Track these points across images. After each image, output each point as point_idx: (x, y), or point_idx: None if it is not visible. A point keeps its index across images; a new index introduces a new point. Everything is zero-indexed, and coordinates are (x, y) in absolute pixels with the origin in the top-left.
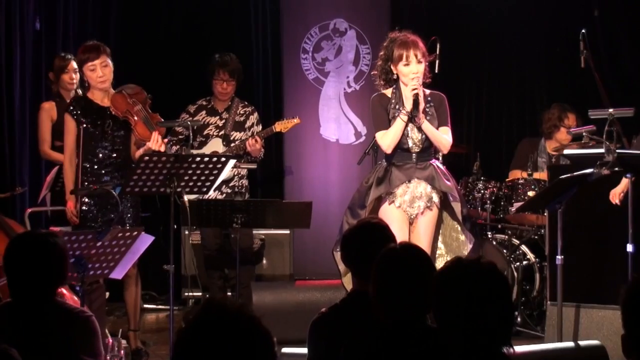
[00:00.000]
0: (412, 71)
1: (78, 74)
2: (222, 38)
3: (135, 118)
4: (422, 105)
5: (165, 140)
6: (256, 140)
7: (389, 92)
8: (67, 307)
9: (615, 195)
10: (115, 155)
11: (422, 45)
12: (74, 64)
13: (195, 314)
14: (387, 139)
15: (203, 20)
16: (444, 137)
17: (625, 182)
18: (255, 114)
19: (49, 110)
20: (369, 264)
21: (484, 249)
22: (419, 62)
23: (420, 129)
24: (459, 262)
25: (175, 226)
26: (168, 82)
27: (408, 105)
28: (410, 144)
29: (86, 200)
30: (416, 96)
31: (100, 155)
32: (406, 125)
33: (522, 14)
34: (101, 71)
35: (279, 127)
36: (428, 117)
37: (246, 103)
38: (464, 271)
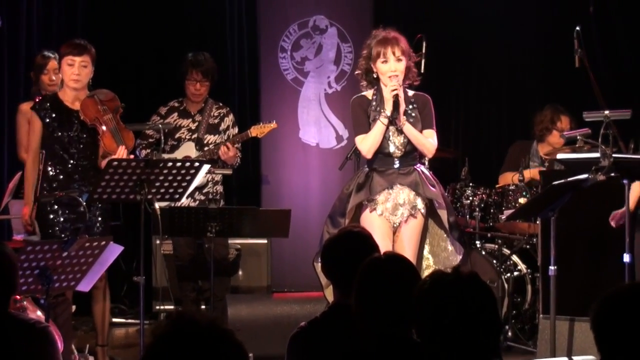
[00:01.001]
0: (390, 69)
1: (60, 75)
2: (195, 36)
3: (104, 128)
4: (402, 107)
5: (131, 155)
6: (228, 148)
7: (369, 93)
8: (22, 318)
9: (615, 217)
10: (82, 162)
11: (405, 43)
12: (55, 64)
13: (163, 326)
14: (366, 143)
15: (175, 17)
16: (427, 141)
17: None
18: (231, 116)
19: (26, 112)
20: (351, 275)
21: (472, 259)
22: (398, 59)
23: (402, 132)
24: (438, 272)
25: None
26: (138, 83)
27: (388, 107)
28: (392, 148)
29: (52, 208)
30: (396, 97)
31: (67, 161)
32: (387, 129)
33: (514, 11)
34: (78, 69)
35: (254, 131)
36: (411, 120)
37: (221, 104)
38: (443, 282)
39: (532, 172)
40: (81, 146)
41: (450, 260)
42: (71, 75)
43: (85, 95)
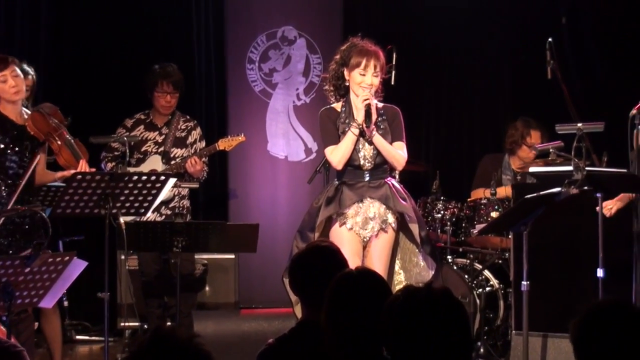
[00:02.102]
0: (366, 82)
1: None
2: (160, 46)
3: (59, 142)
4: (374, 117)
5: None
6: (195, 161)
7: (338, 106)
8: None
9: (608, 205)
10: (25, 180)
11: (383, 59)
12: None
13: (140, 343)
14: (337, 154)
15: (141, 27)
16: (397, 152)
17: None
18: (198, 129)
19: None
20: (319, 291)
21: (444, 275)
22: (376, 75)
23: (372, 144)
24: (409, 288)
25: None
26: (103, 95)
27: (359, 116)
28: (362, 160)
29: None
30: (368, 106)
31: (10, 177)
32: (357, 140)
33: (484, 23)
34: (13, 80)
35: (222, 145)
36: (380, 131)
37: (188, 117)
38: (415, 298)
39: (506, 190)
40: (24, 163)
41: (422, 276)
42: (10, 89)
43: (26, 110)
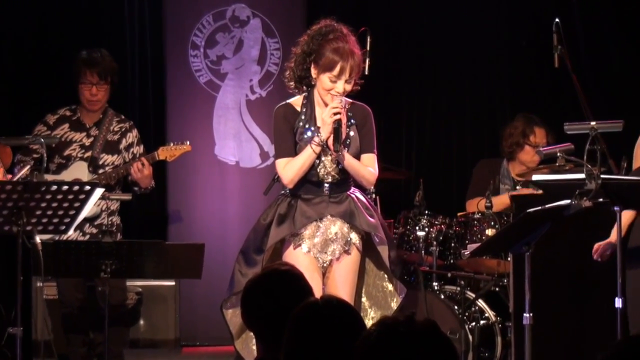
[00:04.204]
0: (337, 90)
1: None
2: (87, 30)
3: None
4: (344, 135)
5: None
6: (143, 164)
7: (298, 102)
8: None
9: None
10: None
11: (359, 58)
12: None
13: None
14: (289, 171)
15: (65, 7)
16: (367, 171)
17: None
18: (135, 132)
19: None
20: (279, 326)
21: (429, 305)
22: (349, 81)
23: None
24: (385, 322)
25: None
26: (19, 87)
27: (324, 131)
28: (322, 173)
29: None
30: (338, 124)
31: None
32: (318, 157)
33: (477, 1)
34: None
35: (163, 154)
36: (348, 141)
37: (123, 117)
38: (394, 334)
39: (504, 202)
40: None
41: (388, 302)
42: None
43: None
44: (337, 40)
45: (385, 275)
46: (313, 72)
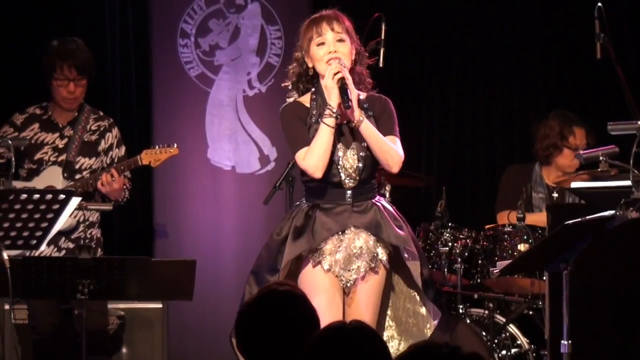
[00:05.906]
0: (328, 50)
1: None
2: (60, 15)
3: None
4: (354, 94)
5: None
6: (113, 176)
7: (306, 98)
8: None
9: None
10: None
11: (348, 22)
12: None
13: None
14: (311, 158)
15: None
16: (392, 147)
17: None
18: (115, 131)
19: None
20: (278, 356)
21: (452, 331)
22: (340, 39)
23: (355, 152)
24: (421, 350)
25: None
26: None
27: (332, 99)
28: (343, 175)
29: None
30: (342, 82)
31: None
32: (336, 141)
33: None
34: None
35: (147, 158)
36: (371, 113)
37: (102, 114)
38: None
39: (538, 217)
40: None
41: (420, 329)
42: None
43: None
44: (313, 16)
45: (417, 297)
46: (308, 62)
